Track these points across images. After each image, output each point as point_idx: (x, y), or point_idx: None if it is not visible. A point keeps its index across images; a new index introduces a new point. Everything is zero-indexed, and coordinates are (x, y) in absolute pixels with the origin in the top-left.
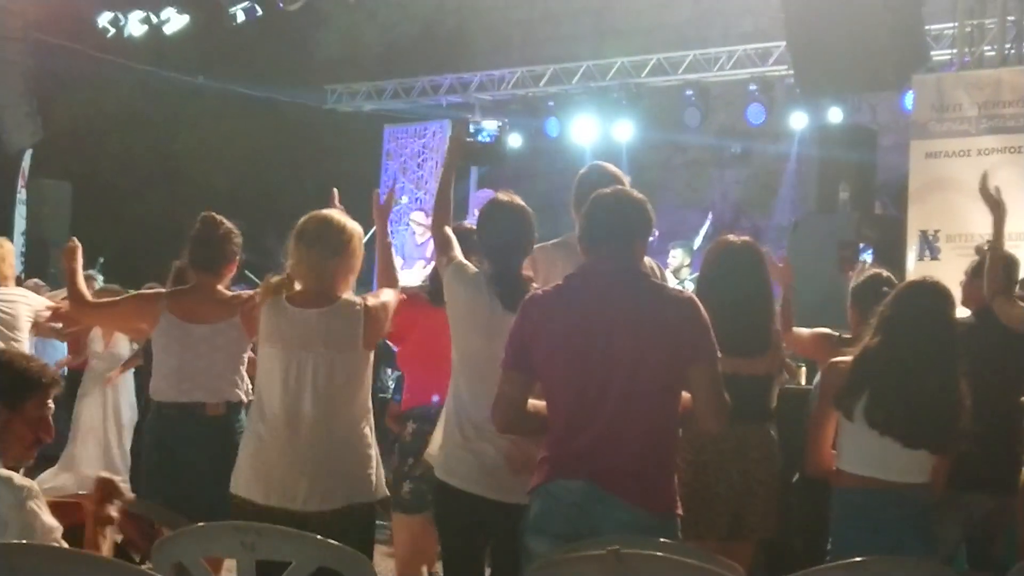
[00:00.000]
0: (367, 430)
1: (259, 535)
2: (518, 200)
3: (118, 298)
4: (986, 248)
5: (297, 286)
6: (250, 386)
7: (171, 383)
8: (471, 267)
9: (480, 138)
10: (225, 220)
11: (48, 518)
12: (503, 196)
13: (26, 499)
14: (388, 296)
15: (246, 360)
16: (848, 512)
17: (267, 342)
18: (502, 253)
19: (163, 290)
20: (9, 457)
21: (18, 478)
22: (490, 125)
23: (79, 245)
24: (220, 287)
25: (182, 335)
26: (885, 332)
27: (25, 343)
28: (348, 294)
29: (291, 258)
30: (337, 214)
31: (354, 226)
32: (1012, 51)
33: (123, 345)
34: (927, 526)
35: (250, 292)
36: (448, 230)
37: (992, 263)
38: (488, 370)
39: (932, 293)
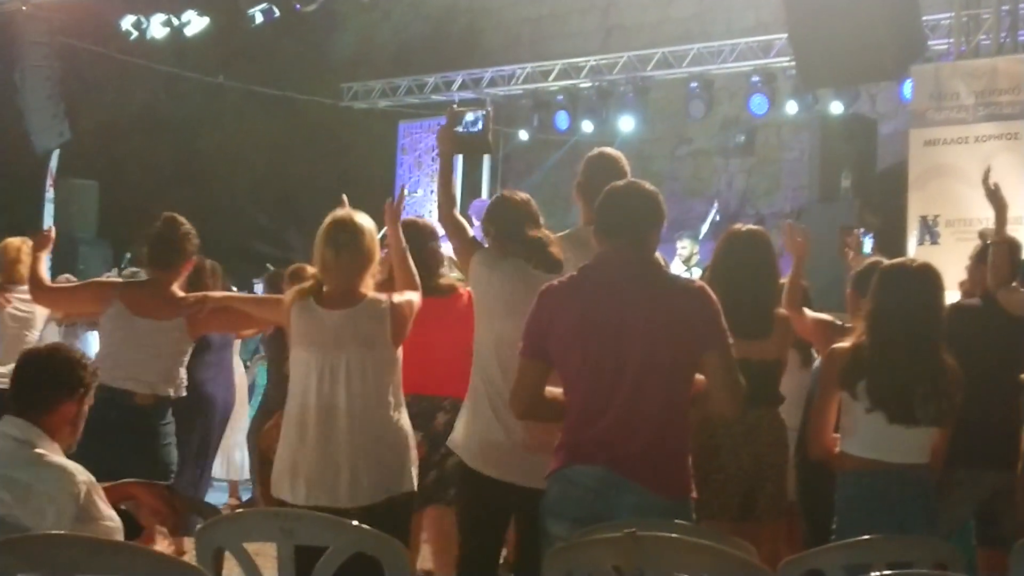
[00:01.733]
0: (402, 422)
1: (298, 521)
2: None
3: (75, 283)
4: (988, 239)
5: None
6: (185, 382)
7: (106, 367)
8: (502, 253)
9: (479, 127)
10: (186, 221)
11: (107, 508)
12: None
13: (87, 490)
14: (412, 296)
15: (185, 360)
16: (852, 493)
17: (299, 345)
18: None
19: (119, 280)
20: (65, 446)
21: (81, 471)
22: (476, 112)
23: (53, 236)
24: (174, 286)
25: (126, 325)
26: (874, 316)
27: (35, 342)
28: (372, 292)
29: (318, 263)
30: (355, 214)
31: (369, 224)
32: (1007, 40)
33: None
34: (929, 505)
35: (198, 295)
36: (457, 215)
37: (996, 256)
38: None
39: (913, 275)
